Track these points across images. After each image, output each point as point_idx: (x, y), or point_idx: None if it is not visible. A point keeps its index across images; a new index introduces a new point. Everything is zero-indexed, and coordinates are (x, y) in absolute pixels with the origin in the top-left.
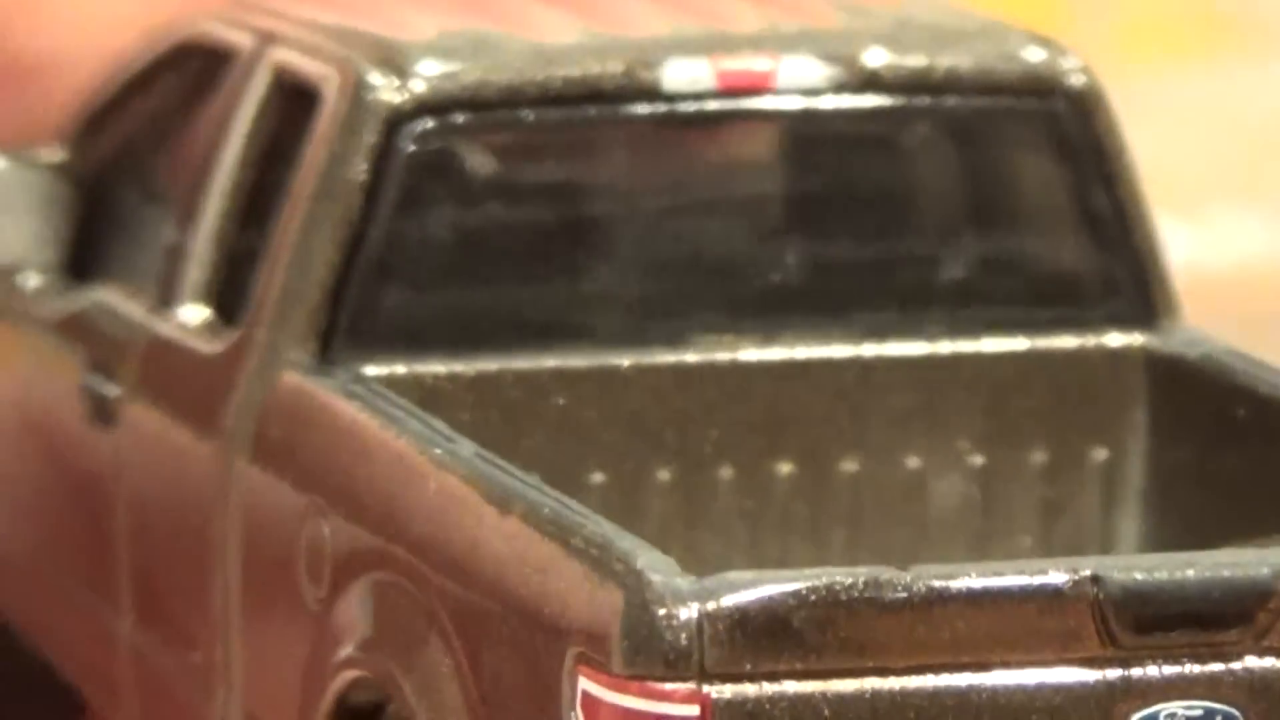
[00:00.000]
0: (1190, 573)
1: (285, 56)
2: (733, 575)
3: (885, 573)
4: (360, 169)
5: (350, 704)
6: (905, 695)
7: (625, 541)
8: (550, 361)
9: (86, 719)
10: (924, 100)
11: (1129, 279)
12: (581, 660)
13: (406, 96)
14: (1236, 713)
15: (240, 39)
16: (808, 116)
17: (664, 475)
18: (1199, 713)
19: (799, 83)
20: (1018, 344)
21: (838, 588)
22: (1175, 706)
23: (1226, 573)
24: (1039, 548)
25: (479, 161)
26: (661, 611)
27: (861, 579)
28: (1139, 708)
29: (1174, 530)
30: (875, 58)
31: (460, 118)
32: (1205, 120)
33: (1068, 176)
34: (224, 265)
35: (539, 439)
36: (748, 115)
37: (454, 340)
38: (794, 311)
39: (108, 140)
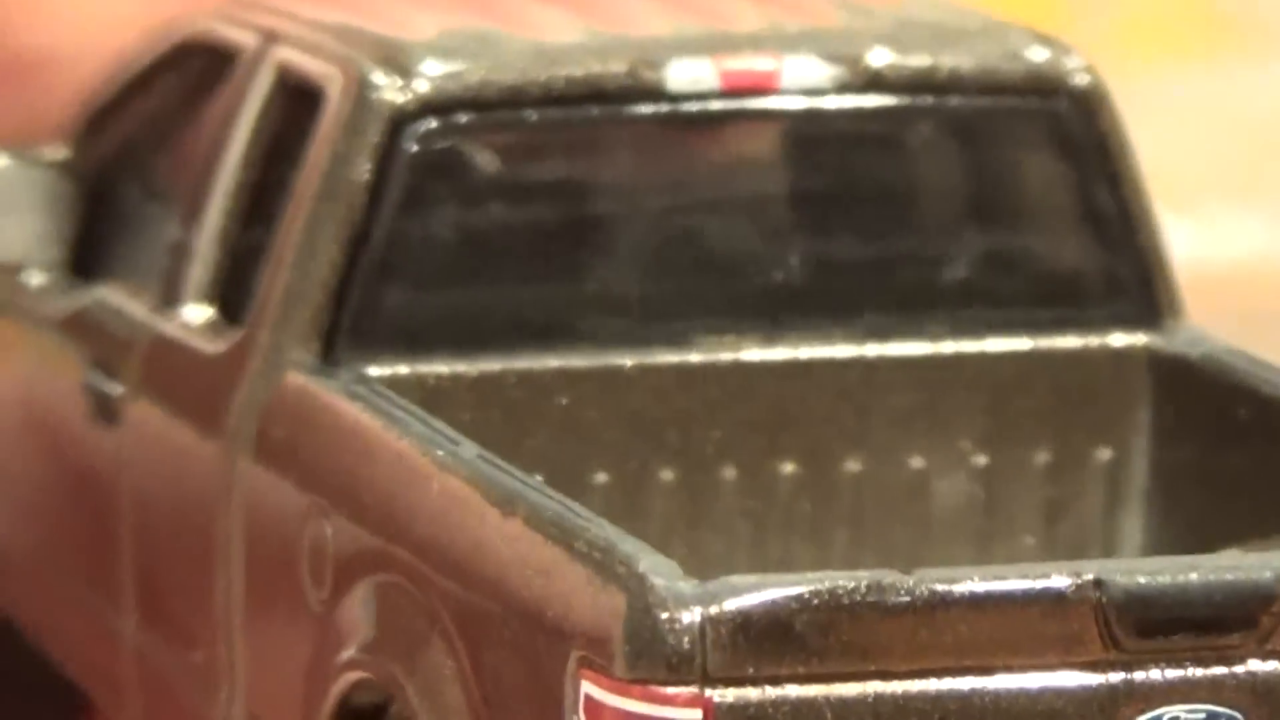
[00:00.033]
0: (1193, 576)
1: (288, 55)
2: (735, 579)
3: (888, 576)
4: (363, 169)
5: (353, 705)
6: (908, 699)
7: (628, 545)
8: (553, 361)
9: (88, 717)
10: (927, 100)
11: (1133, 279)
12: (584, 663)
13: (410, 96)
14: (1239, 716)
15: (243, 37)
16: (811, 116)
17: (667, 475)
18: (1201, 716)
19: (802, 83)
20: (1021, 344)
21: (840, 591)
22: (1178, 710)
23: (1229, 576)
24: (1042, 548)
25: (482, 161)
26: (664, 615)
27: (864, 583)
28: (1142, 711)
29: (1177, 530)
30: (879, 58)
31: (463, 118)
32: (1205, 119)
33: (1072, 176)
34: (227, 264)
35: (542, 439)
36: (751, 115)
37: (457, 340)
38: (797, 311)
39: (110, 138)
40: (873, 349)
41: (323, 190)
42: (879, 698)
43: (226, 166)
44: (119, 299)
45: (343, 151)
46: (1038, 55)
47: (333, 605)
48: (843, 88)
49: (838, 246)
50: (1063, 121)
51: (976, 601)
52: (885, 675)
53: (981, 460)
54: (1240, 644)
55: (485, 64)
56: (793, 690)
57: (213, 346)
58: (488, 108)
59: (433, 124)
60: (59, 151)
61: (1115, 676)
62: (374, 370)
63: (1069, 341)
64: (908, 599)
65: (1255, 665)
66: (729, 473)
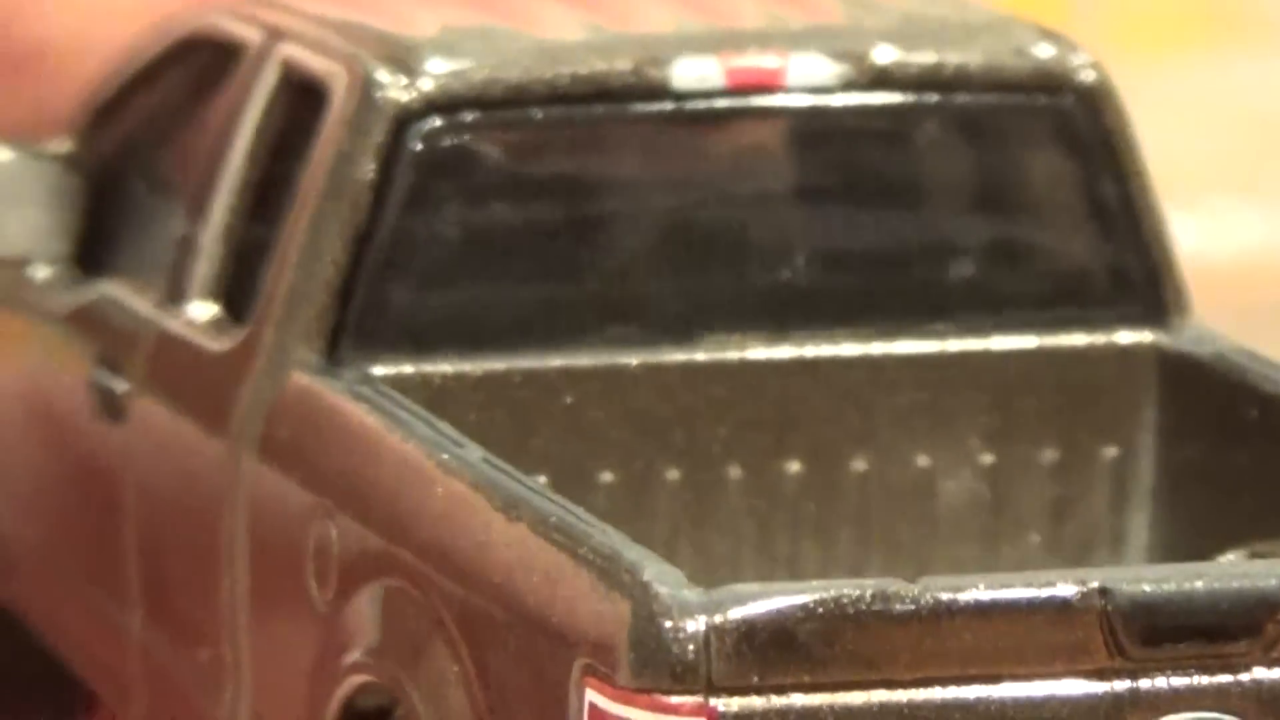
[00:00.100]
0: (1198, 584)
1: (293, 52)
2: (740, 588)
3: (893, 585)
4: (368, 167)
5: (357, 709)
6: (913, 708)
7: (633, 552)
8: (558, 361)
9: (88, 711)
10: (933, 97)
11: (1140, 276)
12: (588, 671)
13: (415, 95)
14: None
15: (248, 33)
16: (817, 114)
17: (673, 474)
18: None
19: (808, 80)
20: (1028, 342)
21: (845, 600)
22: (1184, 718)
23: (1235, 584)
24: (1049, 547)
25: (487, 160)
26: (668, 624)
27: (869, 591)
28: (1147, 719)
29: (1184, 529)
30: (884, 55)
31: (469, 116)
32: (1206, 112)
33: (1078, 173)
34: (232, 261)
35: (547, 438)
36: (756, 113)
37: (462, 339)
38: (803, 310)
39: (115, 132)
40: (879, 347)
41: (327, 189)
42: (884, 707)
43: (231, 163)
44: (124, 295)
45: (347, 150)
46: (1044, 52)
47: (338, 607)
48: (848, 85)
49: (843, 245)
50: (1069, 118)
51: (982, 610)
52: (890, 684)
53: (988, 459)
54: (1246, 652)
55: (490, 62)
56: (798, 699)
57: (218, 344)
58: (492, 106)
59: (437, 122)
60: (63, 145)
61: (1121, 685)
62: (379, 369)
63: (1075, 340)
64: (913, 608)
65: (1261, 673)
66: (735, 472)
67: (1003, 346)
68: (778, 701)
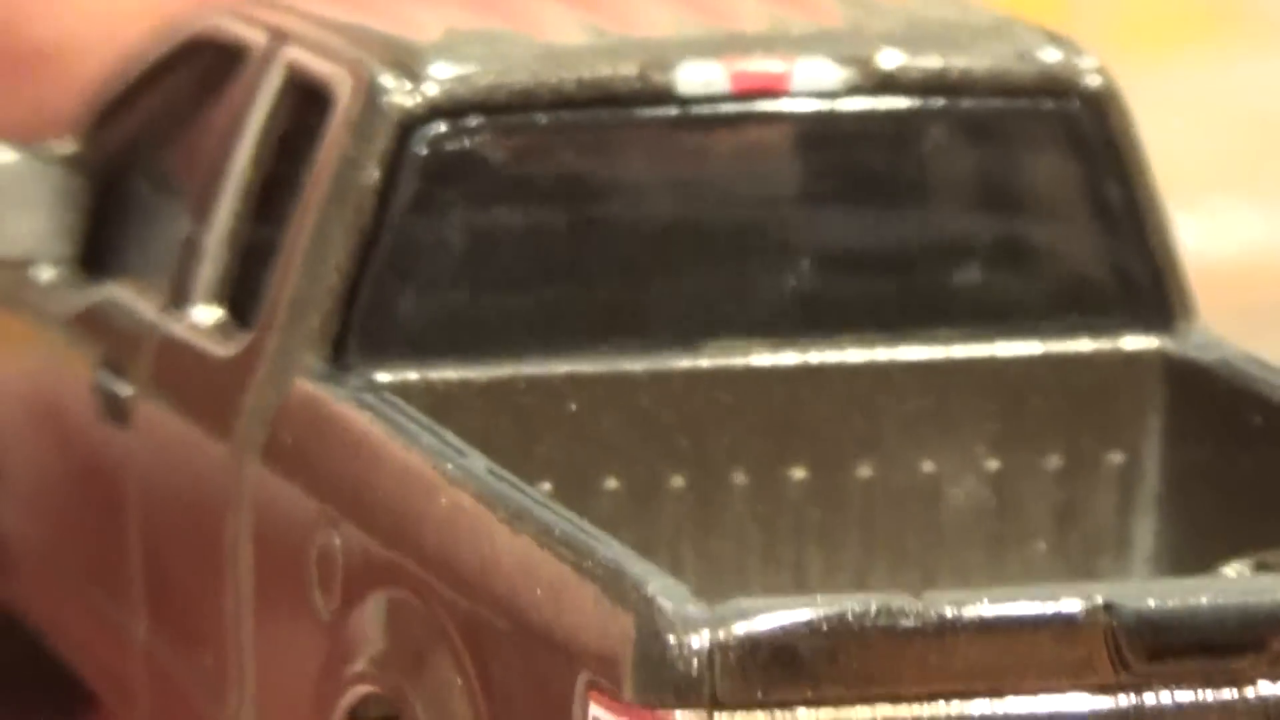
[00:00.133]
0: (1203, 599)
1: (298, 56)
2: (744, 602)
3: (897, 600)
4: (372, 172)
5: (361, 718)
6: None
7: (638, 566)
8: (563, 367)
9: (89, 712)
10: (939, 102)
11: (1145, 282)
12: (593, 686)
13: (419, 100)
14: None
15: (253, 35)
16: (822, 119)
17: (677, 481)
18: None
19: (813, 85)
20: (1033, 347)
21: (849, 615)
22: None
23: (1239, 599)
24: (1054, 552)
25: (492, 165)
26: (672, 639)
27: (874, 607)
28: None
29: (1189, 534)
30: (890, 59)
31: (473, 121)
32: (1207, 112)
33: (1084, 178)
34: (236, 265)
35: (552, 445)
36: (761, 118)
37: (467, 346)
38: (807, 315)
39: (119, 133)
40: (884, 353)
41: (332, 194)
42: None
43: (236, 166)
44: (128, 298)
45: (352, 155)
46: (1050, 56)
47: (342, 616)
48: (854, 90)
49: (848, 250)
50: (1075, 123)
51: (986, 625)
52: (895, 699)
53: (993, 465)
54: (1250, 667)
55: (495, 67)
56: (802, 714)
57: (222, 349)
58: (497, 111)
59: (442, 127)
60: (68, 146)
61: (1125, 700)
62: (383, 376)
63: (1081, 345)
64: (917, 623)
65: (1265, 688)
66: (739, 478)
67: (1008, 352)
68: (782, 717)
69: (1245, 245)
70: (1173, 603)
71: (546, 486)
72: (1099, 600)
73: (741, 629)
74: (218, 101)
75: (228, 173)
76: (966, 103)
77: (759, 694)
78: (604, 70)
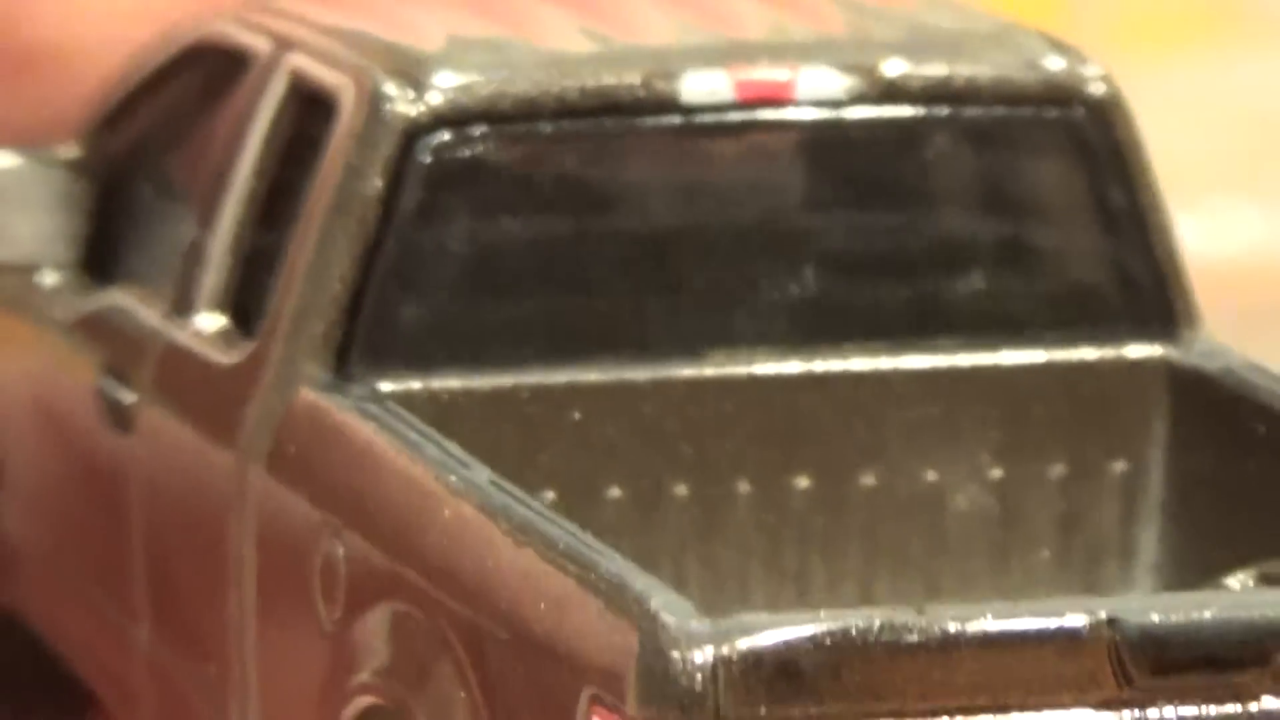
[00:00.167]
0: (1206, 614)
1: (302, 63)
2: (748, 618)
3: (900, 616)
4: (376, 182)
5: None
6: None
7: (641, 580)
8: (566, 376)
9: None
10: (943, 110)
11: (1149, 290)
12: (596, 700)
13: (423, 109)
14: None
15: (256, 42)
16: (826, 127)
17: (681, 489)
18: None
19: (818, 93)
20: (1036, 356)
21: (853, 631)
22: None
23: (1243, 614)
24: (1058, 561)
25: (496, 174)
26: (676, 654)
27: (877, 622)
28: None
29: (1193, 543)
30: (894, 67)
31: (477, 130)
32: (1207, 112)
33: (1088, 187)
34: (240, 273)
35: (555, 454)
36: (766, 126)
37: (470, 355)
38: (811, 324)
39: (122, 138)
40: (887, 362)
41: (335, 203)
42: None
43: (239, 173)
44: (132, 304)
45: (355, 163)
46: (1054, 64)
47: (345, 626)
48: (858, 98)
49: (852, 259)
50: (1079, 131)
51: (989, 640)
52: (899, 714)
53: (997, 473)
54: (1254, 681)
55: (498, 75)
56: None
57: (226, 358)
58: (501, 120)
59: (446, 136)
60: (71, 150)
61: (1129, 715)
62: (387, 385)
63: (1085, 353)
64: (920, 638)
65: (1269, 703)
66: (743, 487)
67: (1012, 360)
68: None
69: (1245, 245)
70: (1176, 617)
71: (550, 495)
72: (1102, 615)
73: (745, 644)
74: (221, 108)
75: (231, 180)
76: (971, 111)
77: (762, 709)
78: (608, 79)
